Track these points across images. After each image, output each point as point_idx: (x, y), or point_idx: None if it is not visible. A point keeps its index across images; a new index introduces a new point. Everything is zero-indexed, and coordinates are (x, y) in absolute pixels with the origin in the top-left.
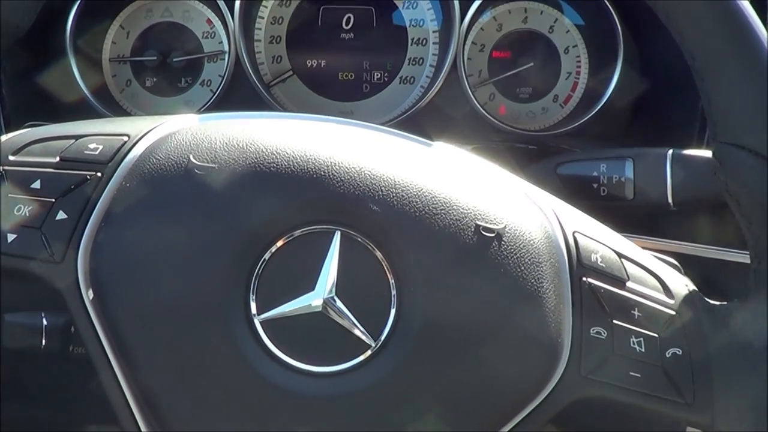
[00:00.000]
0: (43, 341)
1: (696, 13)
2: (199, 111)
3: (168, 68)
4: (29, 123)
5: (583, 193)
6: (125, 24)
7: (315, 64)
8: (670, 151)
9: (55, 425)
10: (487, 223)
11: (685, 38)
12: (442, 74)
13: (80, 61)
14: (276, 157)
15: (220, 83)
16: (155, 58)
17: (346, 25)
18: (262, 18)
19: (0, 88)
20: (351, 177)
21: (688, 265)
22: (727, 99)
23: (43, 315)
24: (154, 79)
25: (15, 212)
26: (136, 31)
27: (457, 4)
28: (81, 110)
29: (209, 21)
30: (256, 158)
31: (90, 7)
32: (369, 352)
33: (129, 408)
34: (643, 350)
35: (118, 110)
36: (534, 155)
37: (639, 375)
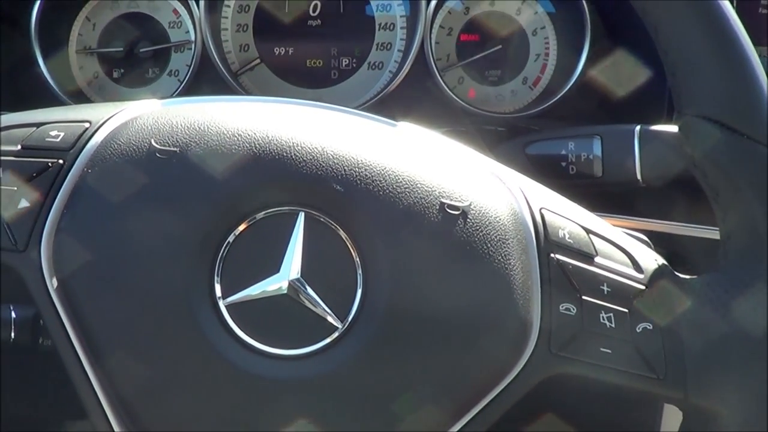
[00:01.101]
0: (12, 334)
1: None
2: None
3: (135, 59)
4: None
5: (551, 172)
6: (91, 15)
7: (282, 52)
8: (638, 128)
9: (26, 421)
10: (452, 200)
11: (647, 13)
12: (409, 59)
13: (46, 53)
14: (237, 139)
15: (188, 72)
16: (122, 49)
17: (313, 12)
18: (229, 7)
19: None
20: (314, 158)
21: (659, 242)
22: (689, 72)
23: (11, 308)
24: (122, 71)
25: None
26: (102, 23)
27: None
28: (47, 103)
29: (175, 11)
30: (217, 141)
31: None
32: (336, 334)
33: (95, 395)
34: (613, 326)
35: (86, 102)
36: (504, 137)
37: (610, 351)
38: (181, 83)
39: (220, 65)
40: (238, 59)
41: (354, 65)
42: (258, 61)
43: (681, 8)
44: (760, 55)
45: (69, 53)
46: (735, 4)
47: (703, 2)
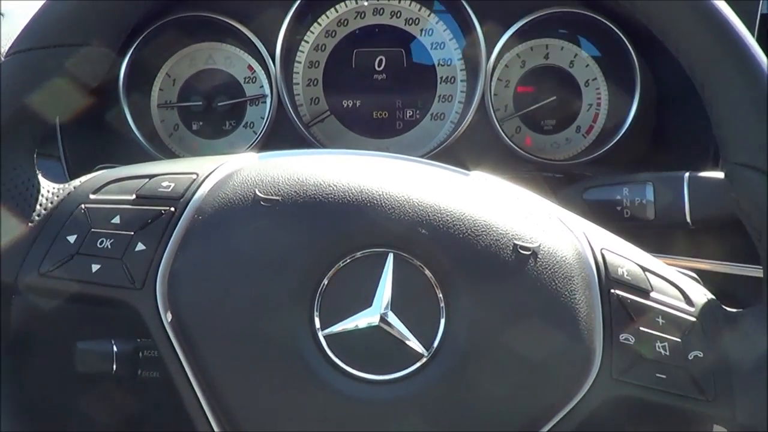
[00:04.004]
0: (114, 366)
1: (702, 45)
2: (245, 152)
3: (213, 112)
4: (100, 166)
5: (608, 216)
6: (171, 72)
7: (350, 104)
8: (687, 174)
9: None
10: (523, 242)
11: (694, 69)
12: (471, 110)
13: (132, 109)
14: (334, 189)
15: (263, 125)
16: (200, 103)
17: (378, 66)
18: (300, 63)
19: (62, 136)
20: (401, 205)
21: (706, 279)
22: (733, 123)
23: (113, 342)
24: (200, 123)
25: (98, 245)
26: (182, 79)
27: (483, 44)
28: (133, 155)
29: (250, 67)
30: (315, 191)
31: (140, 58)
32: (422, 361)
33: (208, 421)
34: (667, 353)
35: (168, 153)
36: (561, 183)
37: (664, 376)
38: (257, 135)
39: (294, 117)
40: (309, 112)
41: (417, 116)
42: (328, 113)
43: (727, 64)
44: None
45: (151, 107)
46: None
47: (744, 64)
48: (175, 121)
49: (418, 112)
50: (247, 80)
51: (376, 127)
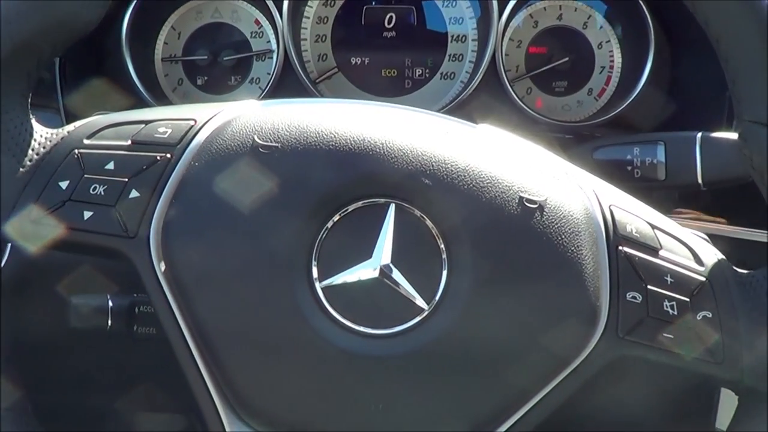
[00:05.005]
0: (109, 321)
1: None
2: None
3: (218, 67)
4: (98, 112)
5: (617, 176)
6: (176, 25)
7: (359, 62)
8: (699, 134)
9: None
10: (530, 195)
11: (710, 25)
12: (481, 70)
13: (135, 61)
14: (335, 136)
15: (269, 81)
16: (206, 57)
17: (388, 23)
18: (308, 18)
19: (62, 81)
20: (404, 154)
21: (717, 241)
22: (749, 80)
23: (108, 297)
24: (205, 78)
25: (90, 191)
26: (187, 32)
27: (495, 2)
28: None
29: (257, 21)
30: (316, 138)
31: (143, 10)
32: (423, 315)
33: (199, 371)
34: (675, 313)
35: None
36: (570, 143)
37: (672, 336)
38: (263, 90)
39: (301, 73)
40: (316, 68)
41: (427, 75)
42: (335, 70)
43: (743, 19)
44: None
45: (155, 61)
46: None
47: (762, 15)
48: (180, 76)
49: (427, 71)
50: (253, 35)
51: (385, 86)
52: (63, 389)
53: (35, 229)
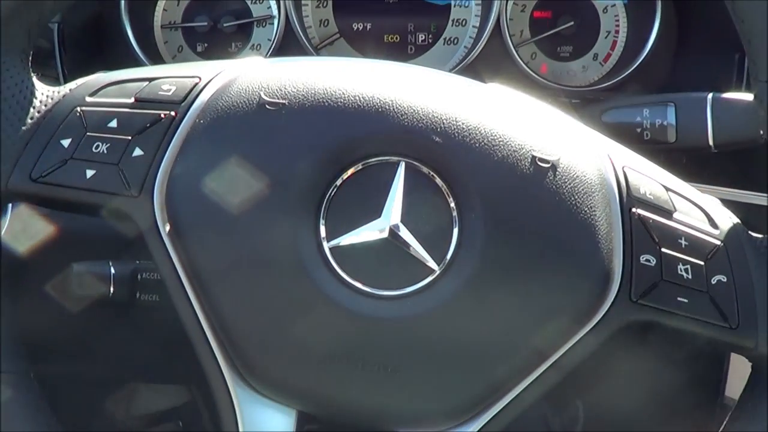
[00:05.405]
0: (111, 289)
1: None
2: None
3: (218, 33)
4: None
5: (627, 138)
6: None
7: (361, 27)
8: (710, 95)
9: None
10: (542, 154)
11: None
12: (485, 34)
13: (134, 28)
14: (343, 93)
15: (270, 47)
16: (206, 23)
17: None
18: None
19: (61, 49)
20: (414, 112)
21: (729, 206)
22: (765, 40)
23: (110, 264)
24: (205, 45)
25: (93, 150)
26: None
27: None
28: None
29: None
30: (324, 95)
31: None
32: (433, 276)
33: (204, 333)
34: (690, 277)
35: None
36: (578, 107)
37: (686, 300)
38: (264, 57)
39: (303, 39)
40: (318, 34)
41: (430, 40)
42: (337, 35)
43: None
44: None
45: (154, 28)
46: None
47: None
48: (179, 43)
49: (430, 36)
50: (253, 0)
51: (387, 51)
52: (64, 358)
53: (37, 189)
